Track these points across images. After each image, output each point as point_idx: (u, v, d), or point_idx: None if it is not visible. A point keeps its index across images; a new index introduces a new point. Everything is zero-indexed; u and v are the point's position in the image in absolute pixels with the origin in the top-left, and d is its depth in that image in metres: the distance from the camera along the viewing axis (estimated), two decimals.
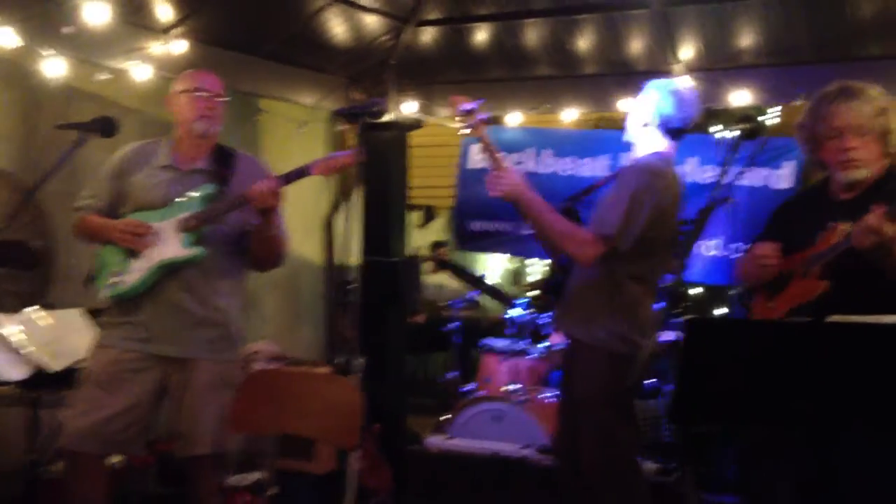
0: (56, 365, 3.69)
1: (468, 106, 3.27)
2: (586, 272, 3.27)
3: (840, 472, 2.69)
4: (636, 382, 3.27)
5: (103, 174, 3.39)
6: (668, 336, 4.59)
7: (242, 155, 3.46)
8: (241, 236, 3.35)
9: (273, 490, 2.51)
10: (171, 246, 3.23)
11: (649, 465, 3.64)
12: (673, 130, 3.29)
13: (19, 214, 3.22)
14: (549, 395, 5.01)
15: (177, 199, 3.27)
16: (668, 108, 3.27)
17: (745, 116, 2.93)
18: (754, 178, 4.93)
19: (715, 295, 5.93)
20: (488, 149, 3.31)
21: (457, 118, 3.32)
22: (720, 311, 5.91)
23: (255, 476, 2.46)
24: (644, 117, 3.32)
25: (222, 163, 3.36)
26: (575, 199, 3.48)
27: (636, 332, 3.20)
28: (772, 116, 5.03)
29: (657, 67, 4.92)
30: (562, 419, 3.44)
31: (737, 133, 2.87)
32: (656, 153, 3.29)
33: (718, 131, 5.70)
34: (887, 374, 2.17)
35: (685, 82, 3.36)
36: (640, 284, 3.22)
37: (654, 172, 3.21)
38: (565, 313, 3.38)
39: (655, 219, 3.15)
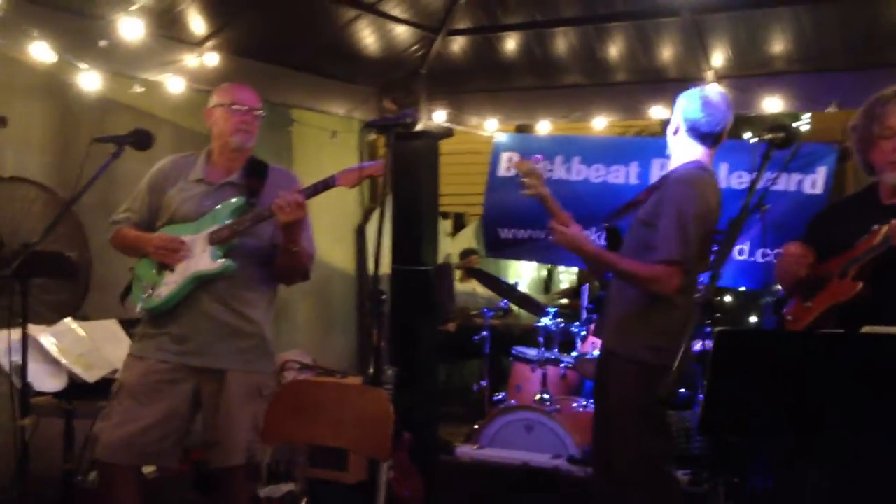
0: (91, 376, 3.74)
1: (533, 160, 3.36)
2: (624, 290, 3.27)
3: (872, 483, 2.66)
4: (670, 394, 3.27)
5: (140, 188, 3.44)
6: (699, 346, 4.57)
7: (274, 167, 3.49)
8: (272, 249, 3.38)
9: (305, 500, 2.52)
10: (201, 259, 3.26)
11: (680, 476, 3.62)
12: (703, 135, 3.28)
13: (56, 226, 3.26)
14: (579, 404, 5.00)
15: (208, 213, 3.31)
16: (695, 112, 3.27)
17: (777, 126, 2.90)
18: (787, 183, 4.90)
19: (746, 304, 5.88)
20: (551, 206, 3.35)
21: (522, 177, 3.39)
22: (752, 320, 5.87)
23: (287, 487, 2.47)
24: (673, 125, 3.33)
25: (254, 175, 3.39)
26: (614, 218, 3.49)
27: (672, 344, 3.17)
28: (804, 123, 4.99)
29: (688, 75, 4.90)
30: (596, 430, 3.44)
31: (769, 140, 2.85)
32: (692, 162, 3.28)
33: (750, 138, 5.66)
34: None
35: (716, 88, 3.34)
36: (679, 295, 3.20)
37: (697, 184, 3.20)
38: (605, 324, 3.39)
39: (699, 230, 3.16)
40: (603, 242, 3.53)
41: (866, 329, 2.39)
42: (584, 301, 5.72)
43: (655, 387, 3.16)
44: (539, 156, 3.39)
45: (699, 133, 3.28)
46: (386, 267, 5.54)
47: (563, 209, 3.36)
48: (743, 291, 5.54)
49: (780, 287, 3.20)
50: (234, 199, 3.31)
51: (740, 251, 4.98)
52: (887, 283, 2.72)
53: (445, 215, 8.53)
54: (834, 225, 3.03)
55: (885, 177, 2.90)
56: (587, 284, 6.48)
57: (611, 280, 3.43)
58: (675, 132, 3.32)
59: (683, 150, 3.32)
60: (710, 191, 3.25)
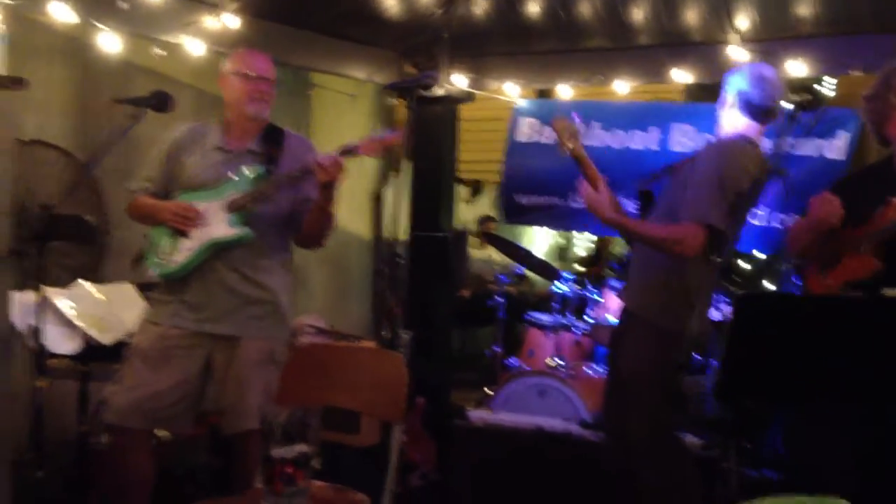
0: (106, 339, 3.75)
1: (572, 123, 3.33)
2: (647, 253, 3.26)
3: (891, 449, 2.63)
4: (685, 360, 3.24)
5: (156, 155, 3.43)
6: (715, 313, 4.54)
7: (292, 134, 3.47)
8: (290, 215, 3.37)
9: (317, 462, 2.51)
10: (218, 226, 3.26)
11: (693, 441, 3.61)
12: (755, 109, 3.23)
13: (75, 189, 3.26)
14: (593, 370, 4.99)
15: (226, 180, 3.30)
16: (747, 86, 3.24)
17: (802, 87, 2.86)
18: (808, 148, 4.82)
19: (762, 270, 5.83)
20: (587, 167, 3.34)
21: (559, 135, 3.35)
22: (769, 287, 5.81)
23: (299, 448, 2.47)
24: (726, 99, 3.30)
25: (272, 143, 3.38)
26: (649, 181, 3.47)
27: (690, 309, 3.15)
28: (828, 87, 4.91)
29: (713, 38, 4.82)
30: (609, 393, 3.43)
31: (795, 102, 2.81)
32: (738, 133, 3.26)
33: None
34: None
35: (768, 66, 3.33)
36: (703, 262, 3.16)
37: (735, 152, 3.18)
38: (628, 286, 3.41)
39: (728, 194, 3.12)
40: (633, 207, 3.50)
41: (888, 292, 2.35)
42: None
43: (671, 352, 3.15)
44: (576, 115, 3.35)
45: (751, 106, 3.24)
46: (403, 233, 5.53)
47: (599, 171, 3.34)
48: (759, 257, 5.48)
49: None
50: (253, 167, 3.30)
51: (759, 216, 4.92)
52: None
53: (463, 182, 8.48)
54: (852, 194, 2.98)
55: None
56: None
57: (635, 244, 3.40)
58: (725, 106, 3.30)
59: (731, 124, 3.29)
60: (747, 159, 3.19)
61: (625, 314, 3.41)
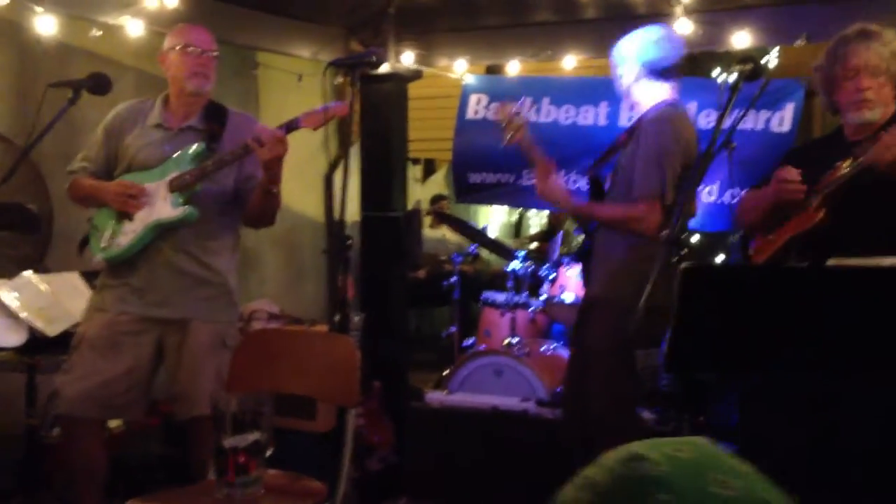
0: (52, 330, 3.67)
1: (515, 109, 3.36)
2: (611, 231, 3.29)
3: (842, 419, 2.66)
4: (638, 332, 3.25)
5: (96, 136, 3.36)
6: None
7: (234, 112, 3.41)
8: (235, 194, 3.31)
9: (270, 450, 2.49)
10: (162, 207, 3.20)
11: (647, 415, 3.64)
12: (664, 72, 3.28)
13: (14, 175, 3.18)
14: (549, 347, 5.00)
15: (167, 159, 3.23)
16: (647, 52, 3.27)
17: (745, 57, 2.87)
18: (754, 121, 4.85)
19: (713, 243, 5.87)
20: (534, 155, 3.35)
21: (504, 125, 3.38)
22: (719, 259, 5.87)
23: (253, 436, 2.44)
24: (630, 74, 3.31)
25: (214, 120, 3.32)
26: (597, 166, 3.48)
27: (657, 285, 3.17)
28: (773, 57, 4.94)
29: (658, 10, 4.81)
30: (571, 374, 3.45)
31: (738, 71, 2.82)
32: (663, 101, 3.28)
33: (719, 75, 5.60)
34: (887, 318, 2.13)
35: (652, 26, 3.36)
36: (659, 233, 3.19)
37: (671, 120, 3.22)
38: (591, 274, 3.40)
39: (676, 165, 3.17)
40: (584, 189, 3.53)
41: (832, 262, 2.37)
42: (557, 245, 5.69)
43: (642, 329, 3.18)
44: (526, 98, 3.35)
45: (659, 71, 3.28)
46: (355, 214, 5.48)
47: (546, 157, 3.35)
48: (709, 232, 5.52)
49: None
50: (194, 145, 3.23)
51: (709, 192, 4.95)
52: (851, 212, 2.71)
53: (415, 161, 8.44)
54: (803, 164, 3.01)
55: (848, 117, 2.89)
56: (561, 231, 6.45)
57: (594, 231, 3.41)
58: (636, 80, 3.31)
59: (649, 94, 3.31)
60: (684, 125, 3.26)
61: (588, 301, 3.42)
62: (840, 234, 2.71)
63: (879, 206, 2.70)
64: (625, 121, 5.33)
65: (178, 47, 3.26)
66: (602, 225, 3.33)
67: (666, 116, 3.23)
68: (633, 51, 3.31)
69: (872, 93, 2.80)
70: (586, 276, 3.49)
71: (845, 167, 2.74)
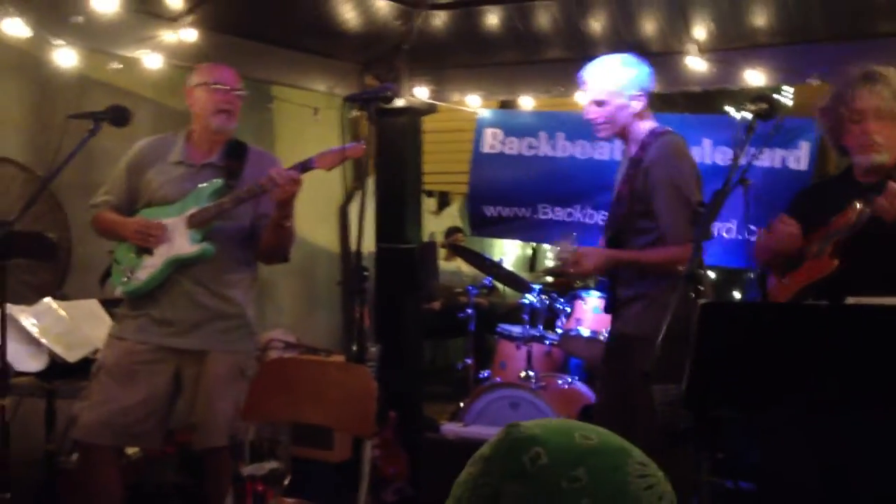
0: (71, 356, 3.71)
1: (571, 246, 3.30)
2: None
3: (860, 458, 2.66)
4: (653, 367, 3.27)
5: (118, 170, 3.42)
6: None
7: (254, 149, 3.47)
8: (252, 230, 3.35)
9: (288, 479, 2.50)
10: (180, 242, 3.25)
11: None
12: (649, 97, 3.32)
13: (34, 205, 3.24)
14: (564, 381, 5.00)
15: (186, 195, 3.28)
16: (646, 81, 3.28)
17: (760, 96, 2.90)
18: (770, 158, 4.89)
19: (731, 279, 5.88)
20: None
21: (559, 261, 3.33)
22: (736, 295, 5.87)
23: (270, 465, 2.46)
24: (637, 104, 3.27)
25: (234, 157, 3.37)
26: (611, 228, 3.44)
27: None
28: (787, 96, 4.99)
29: (670, 48, 4.86)
30: (606, 411, 3.39)
31: (752, 111, 2.85)
32: (655, 129, 3.28)
33: (733, 112, 5.65)
34: None
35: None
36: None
37: (677, 153, 3.23)
38: (620, 310, 3.36)
39: (695, 199, 3.18)
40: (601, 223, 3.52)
41: (850, 300, 2.39)
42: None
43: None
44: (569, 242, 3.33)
45: (647, 94, 3.29)
46: (370, 246, 5.52)
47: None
48: (725, 269, 5.53)
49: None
50: (212, 182, 3.28)
51: (727, 230, 4.97)
52: (862, 258, 2.72)
53: (430, 193, 8.49)
54: (814, 204, 3.04)
55: (857, 159, 2.90)
56: None
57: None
58: (626, 103, 3.26)
59: (640, 119, 3.29)
60: (688, 153, 3.29)
61: (623, 338, 3.35)
62: (853, 278, 2.70)
63: (891, 253, 2.70)
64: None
65: (203, 84, 3.32)
66: (645, 271, 3.28)
67: (671, 152, 3.22)
68: (634, 78, 3.27)
69: (880, 136, 2.81)
70: (612, 311, 3.45)
71: (855, 212, 2.74)
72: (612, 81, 3.26)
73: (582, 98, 3.35)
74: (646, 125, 3.30)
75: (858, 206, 2.72)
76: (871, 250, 2.70)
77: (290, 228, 3.29)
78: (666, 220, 3.18)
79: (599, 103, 3.28)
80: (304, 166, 3.17)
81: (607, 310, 3.51)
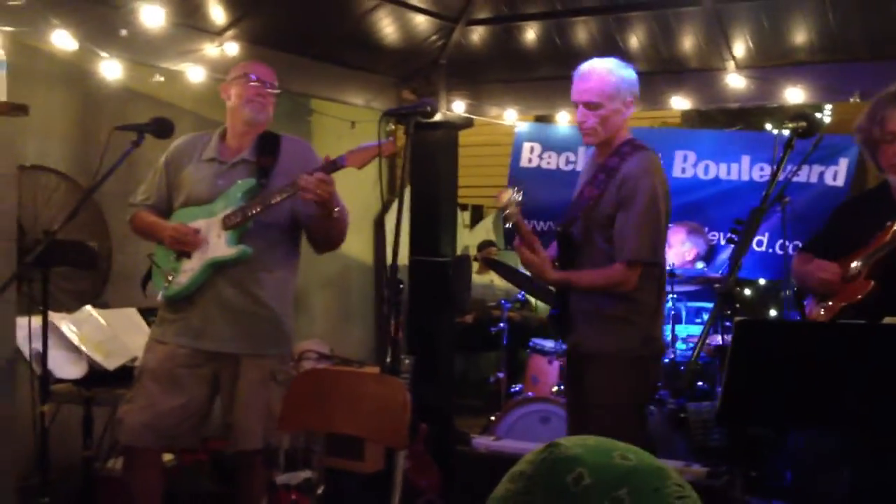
0: (110, 364, 3.76)
1: (514, 195, 3.22)
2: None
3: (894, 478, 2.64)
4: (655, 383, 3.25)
5: (157, 168, 3.47)
6: (717, 339, 4.55)
7: (288, 138, 3.46)
8: (291, 225, 3.37)
9: (321, 489, 2.52)
10: (216, 245, 3.28)
11: (698, 469, 3.61)
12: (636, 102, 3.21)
13: (77, 214, 3.29)
14: None
15: (219, 195, 3.31)
16: (632, 80, 3.16)
17: (799, 114, 2.88)
18: (808, 175, 4.87)
19: (766, 297, 5.84)
20: (522, 228, 3.25)
21: (503, 208, 3.26)
22: (772, 314, 5.82)
23: (304, 475, 2.48)
24: (627, 108, 3.16)
25: (267, 151, 3.37)
26: (568, 225, 3.31)
27: (657, 331, 3.18)
28: (826, 114, 4.97)
29: (709, 65, 4.87)
30: (574, 429, 3.32)
31: (791, 129, 2.84)
32: (630, 143, 3.17)
33: (772, 129, 5.62)
34: None
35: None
36: (651, 281, 3.14)
37: (657, 172, 3.13)
38: (576, 328, 3.24)
39: (660, 220, 3.11)
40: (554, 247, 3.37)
41: (888, 320, 2.36)
42: None
43: (648, 376, 3.17)
44: (513, 190, 3.24)
45: (636, 100, 3.19)
46: (404, 258, 5.54)
47: (529, 232, 3.28)
48: (762, 284, 5.51)
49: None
50: (244, 181, 3.30)
51: (759, 242, 4.96)
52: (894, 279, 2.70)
53: (464, 207, 8.51)
54: (850, 221, 3.02)
55: (891, 179, 2.88)
56: None
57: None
58: (621, 107, 3.14)
59: (624, 125, 3.19)
60: (662, 172, 3.18)
61: (579, 356, 3.27)
62: (890, 299, 2.69)
63: None
64: (678, 172, 5.36)
65: (238, 77, 3.37)
66: (585, 292, 3.18)
67: (651, 168, 3.11)
68: (629, 83, 3.16)
69: None
70: (563, 330, 3.34)
71: (890, 233, 2.72)
72: (609, 85, 3.12)
73: (576, 99, 3.18)
74: (624, 134, 3.20)
75: (893, 226, 2.70)
76: None
77: (340, 217, 3.26)
78: (625, 233, 3.07)
79: (595, 107, 3.13)
80: (335, 164, 3.17)
81: (557, 320, 3.37)
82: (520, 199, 3.22)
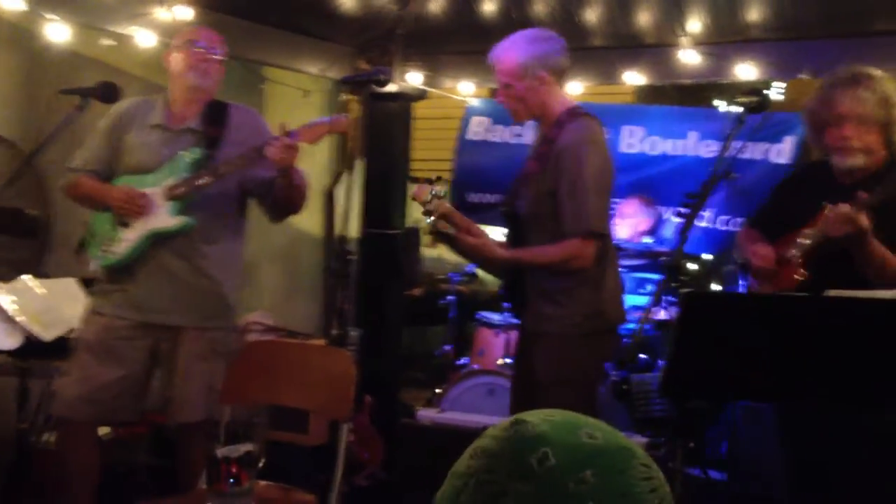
0: (48, 334, 3.67)
1: (433, 190, 3.17)
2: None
3: (831, 449, 2.67)
4: (629, 357, 3.25)
5: (98, 133, 3.35)
6: (660, 312, 4.59)
7: (236, 107, 3.37)
8: (238, 197, 3.31)
9: (262, 462, 2.48)
10: (159, 215, 3.19)
11: (639, 440, 3.64)
12: (562, 72, 3.10)
13: (16, 181, 3.19)
14: None
15: (164, 164, 3.22)
16: (548, 51, 3.05)
17: (752, 90, 2.89)
18: (754, 151, 4.91)
19: (709, 272, 5.89)
20: (457, 219, 3.19)
21: (424, 205, 3.20)
22: (716, 288, 5.88)
23: (245, 447, 2.44)
24: (537, 81, 3.02)
25: (214, 121, 3.29)
26: (510, 201, 3.24)
27: (608, 307, 3.07)
28: (777, 91, 5.01)
29: (664, 40, 4.85)
30: (517, 405, 3.22)
31: (743, 104, 2.84)
32: (569, 110, 3.06)
33: (723, 105, 5.65)
34: (884, 349, 2.14)
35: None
36: (600, 262, 3.05)
37: (594, 141, 3.03)
38: (527, 306, 3.17)
39: (606, 190, 3.05)
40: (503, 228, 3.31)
41: (832, 292, 2.38)
42: None
43: (600, 351, 3.11)
44: (428, 185, 3.21)
45: (560, 70, 3.07)
46: (354, 231, 5.49)
47: (464, 218, 3.22)
48: (706, 259, 5.56)
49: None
50: (191, 150, 3.22)
51: (702, 217, 4.99)
52: (824, 271, 2.73)
53: (415, 180, 8.45)
54: (792, 196, 3.04)
55: (834, 160, 2.89)
56: None
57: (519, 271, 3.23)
58: (544, 86, 3.02)
59: (551, 97, 3.05)
60: (603, 139, 3.10)
61: (528, 334, 3.22)
62: (824, 285, 2.71)
63: (848, 268, 2.69)
64: (625, 147, 5.37)
65: (183, 43, 3.28)
66: (538, 269, 3.09)
67: (587, 138, 3.00)
68: (537, 55, 3.02)
69: (856, 141, 2.79)
70: (518, 309, 3.28)
71: (822, 220, 2.74)
72: (514, 62, 3.02)
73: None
74: (562, 103, 3.08)
75: (825, 211, 2.71)
76: (831, 261, 2.71)
77: (301, 184, 3.21)
78: (566, 207, 2.97)
79: (507, 87, 3.06)
80: (287, 136, 3.10)
81: (510, 302, 3.32)
82: (442, 193, 3.17)
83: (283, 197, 3.24)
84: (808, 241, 2.79)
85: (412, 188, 8.65)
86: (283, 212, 3.35)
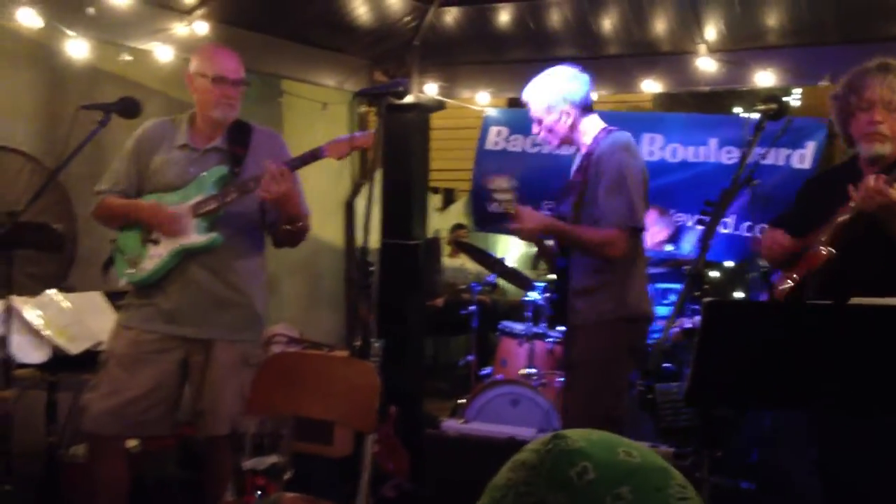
0: (74, 348, 3.70)
1: (511, 182, 3.42)
2: (582, 266, 3.40)
3: (860, 457, 2.66)
4: (639, 351, 3.41)
5: (124, 154, 3.39)
6: (685, 321, 4.57)
7: (260, 129, 3.42)
8: (260, 215, 3.34)
9: (289, 474, 2.50)
10: (187, 232, 3.23)
11: (665, 450, 3.63)
12: (589, 107, 3.45)
13: (42, 196, 3.23)
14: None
15: (191, 182, 3.26)
16: (576, 92, 3.40)
17: (769, 97, 2.89)
18: (776, 157, 4.90)
19: (733, 278, 5.89)
20: (517, 209, 3.41)
21: (497, 193, 3.44)
22: (738, 295, 5.87)
23: (271, 460, 2.45)
24: (567, 116, 3.39)
25: (238, 140, 3.34)
26: (558, 204, 3.59)
27: (631, 296, 3.36)
28: (796, 97, 5.00)
29: (681, 48, 4.86)
30: (566, 400, 3.58)
31: (762, 111, 2.84)
32: (604, 130, 3.43)
33: (741, 112, 5.65)
34: None
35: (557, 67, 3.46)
36: (629, 257, 3.34)
37: (626, 147, 3.35)
38: (573, 308, 3.44)
39: (641, 191, 3.34)
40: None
41: (855, 301, 2.38)
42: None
43: (628, 336, 3.36)
44: (506, 177, 3.45)
45: (586, 106, 3.43)
46: (375, 241, 5.51)
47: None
48: (728, 266, 5.55)
49: (763, 263, 3.22)
50: (217, 169, 3.26)
51: (725, 224, 4.99)
52: (855, 250, 2.74)
53: (435, 190, 8.49)
54: (819, 196, 3.04)
55: (860, 148, 2.91)
56: None
57: (563, 267, 3.51)
58: (574, 120, 3.40)
59: (588, 128, 3.43)
60: (637, 150, 3.45)
61: (573, 328, 3.49)
62: (849, 270, 2.71)
63: (880, 246, 2.71)
64: (645, 155, 5.37)
65: (205, 74, 3.29)
66: (576, 245, 3.41)
67: (620, 144, 3.35)
68: (561, 94, 3.40)
69: (885, 127, 2.80)
70: (562, 313, 3.53)
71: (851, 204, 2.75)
72: (543, 99, 3.42)
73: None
74: (594, 127, 3.45)
75: (860, 186, 2.72)
76: (864, 245, 2.72)
77: (300, 229, 3.29)
78: (603, 204, 3.30)
79: (538, 121, 3.46)
80: (314, 155, 3.15)
81: (556, 319, 3.68)
82: (510, 184, 3.44)
83: (283, 230, 3.29)
84: (842, 219, 2.79)
85: (434, 198, 8.71)
86: (285, 241, 3.39)
